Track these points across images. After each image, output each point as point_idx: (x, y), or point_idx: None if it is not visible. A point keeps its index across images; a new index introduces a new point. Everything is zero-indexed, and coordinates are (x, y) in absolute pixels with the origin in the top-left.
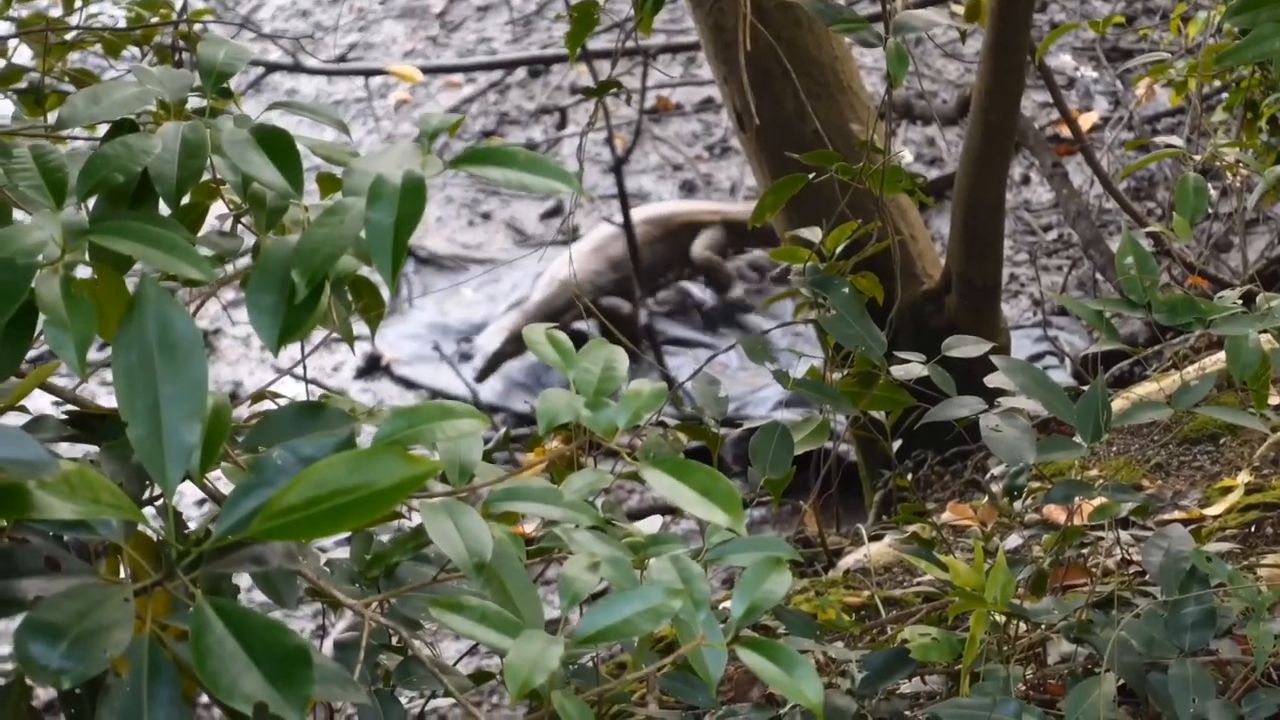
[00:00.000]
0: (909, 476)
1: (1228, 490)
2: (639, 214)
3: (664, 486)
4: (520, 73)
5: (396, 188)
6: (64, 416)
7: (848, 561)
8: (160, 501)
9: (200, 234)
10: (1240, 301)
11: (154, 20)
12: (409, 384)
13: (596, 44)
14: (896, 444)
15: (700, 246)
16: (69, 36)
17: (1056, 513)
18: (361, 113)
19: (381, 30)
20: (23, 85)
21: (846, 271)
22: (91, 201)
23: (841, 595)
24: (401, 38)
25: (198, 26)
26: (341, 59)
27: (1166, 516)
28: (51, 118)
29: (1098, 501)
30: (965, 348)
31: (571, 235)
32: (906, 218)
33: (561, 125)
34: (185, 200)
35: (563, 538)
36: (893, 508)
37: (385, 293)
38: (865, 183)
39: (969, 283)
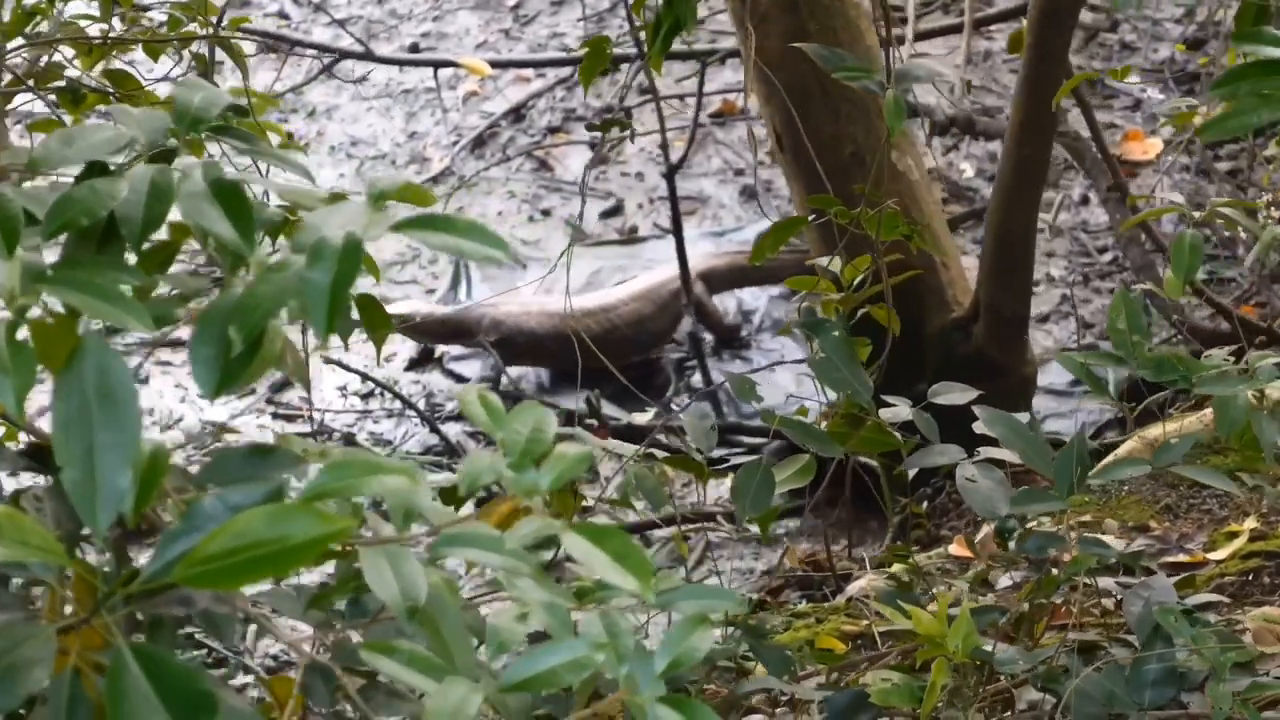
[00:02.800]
0: (924, 505)
1: (1233, 536)
2: (625, 290)
3: (579, 551)
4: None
5: (337, 248)
6: (22, 447)
7: (854, 588)
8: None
9: (171, 271)
10: (1231, 359)
11: (193, 24)
12: (459, 378)
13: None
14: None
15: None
16: (110, 37)
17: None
18: (430, 103)
19: (455, 21)
20: (60, 84)
21: (861, 304)
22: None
23: (840, 623)
24: (475, 29)
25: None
26: (414, 48)
27: (1170, 559)
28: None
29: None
30: (952, 395)
31: (630, 234)
32: (940, 243)
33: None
34: (159, 238)
35: (504, 583)
36: (910, 532)
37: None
38: (862, 227)
39: (997, 312)
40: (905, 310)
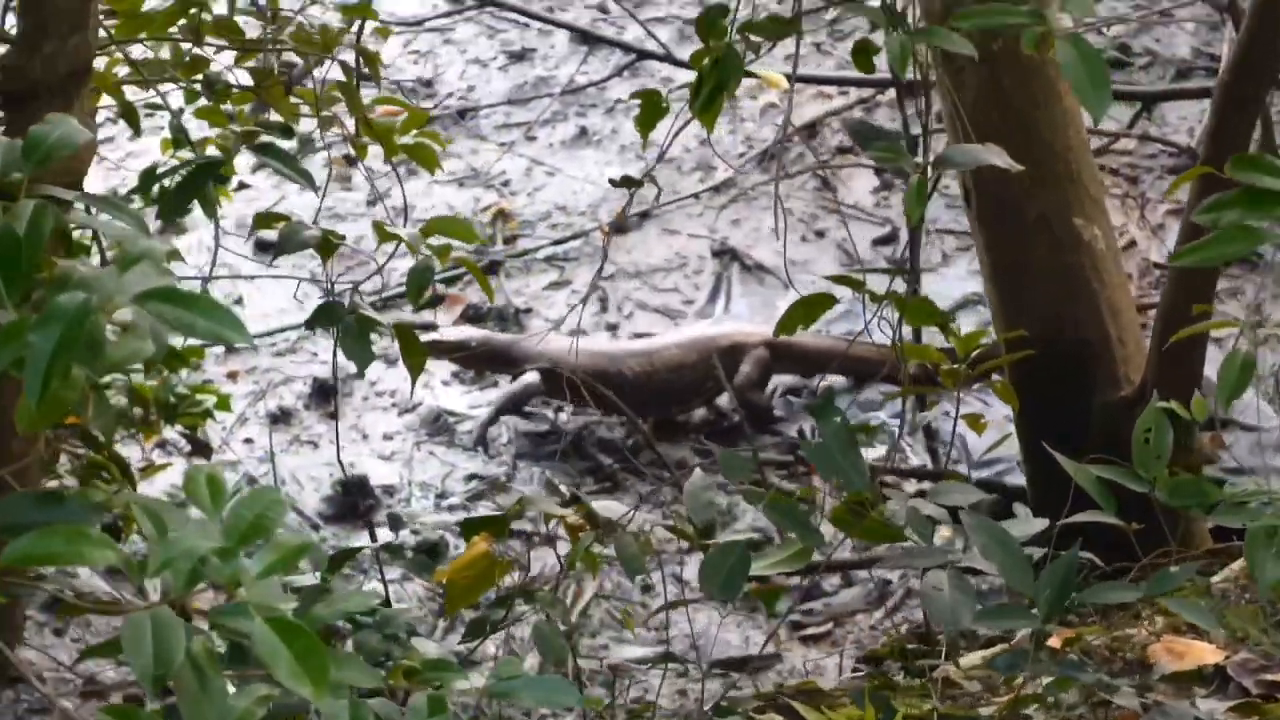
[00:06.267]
0: None
1: None
2: (671, 337)
3: (265, 644)
4: (891, 93)
5: (67, 314)
6: None
7: (949, 668)
8: None
9: None
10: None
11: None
12: None
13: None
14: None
15: (744, 377)
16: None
17: (1159, 653)
18: (727, 111)
19: None
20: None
21: (979, 376)
22: None
23: (907, 703)
24: (788, 41)
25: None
26: None
27: (1268, 677)
28: None
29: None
30: (952, 496)
31: (898, 264)
32: (1119, 319)
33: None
34: None
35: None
36: None
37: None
38: (889, 311)
39: (1162, 397)
40: (1068, 382)
